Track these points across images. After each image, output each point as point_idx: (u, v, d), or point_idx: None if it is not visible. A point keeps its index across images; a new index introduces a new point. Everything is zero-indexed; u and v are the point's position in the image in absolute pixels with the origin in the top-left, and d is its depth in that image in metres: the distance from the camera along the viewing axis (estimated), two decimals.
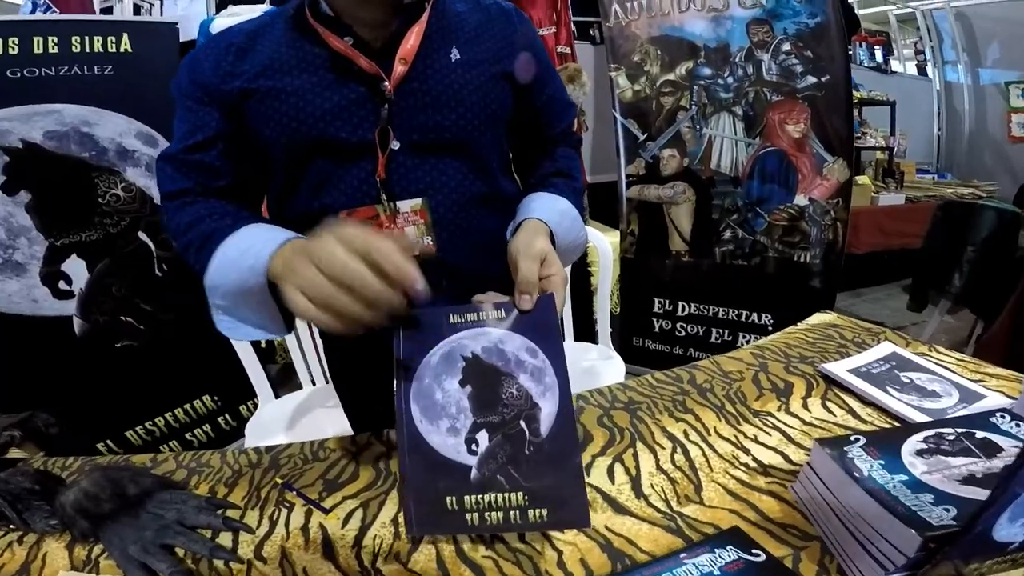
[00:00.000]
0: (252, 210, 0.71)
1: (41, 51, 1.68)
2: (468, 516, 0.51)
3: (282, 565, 0.52)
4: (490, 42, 0.71)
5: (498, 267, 0.63)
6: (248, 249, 0.57)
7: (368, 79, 0.65)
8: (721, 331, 2.38)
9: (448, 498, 0.51)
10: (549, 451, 0.51)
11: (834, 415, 0.70)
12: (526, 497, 0.51)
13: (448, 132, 0.68)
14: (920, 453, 0.50)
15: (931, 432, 0.53)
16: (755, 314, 2.30)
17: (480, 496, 0.51)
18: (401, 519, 0.57)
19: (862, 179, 3.28)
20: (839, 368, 0.79)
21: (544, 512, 0.50)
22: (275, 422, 1.50)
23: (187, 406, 2.06)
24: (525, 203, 0.73)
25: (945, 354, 0.84)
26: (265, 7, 2.42)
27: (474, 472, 0.52)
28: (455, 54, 0.68)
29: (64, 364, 1.79)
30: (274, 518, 0.59)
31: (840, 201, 2.10)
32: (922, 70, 4.99)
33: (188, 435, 2.08)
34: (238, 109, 0.66)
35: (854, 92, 2.81)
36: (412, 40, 0.66)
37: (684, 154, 2.32)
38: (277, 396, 1.59)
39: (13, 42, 1.64)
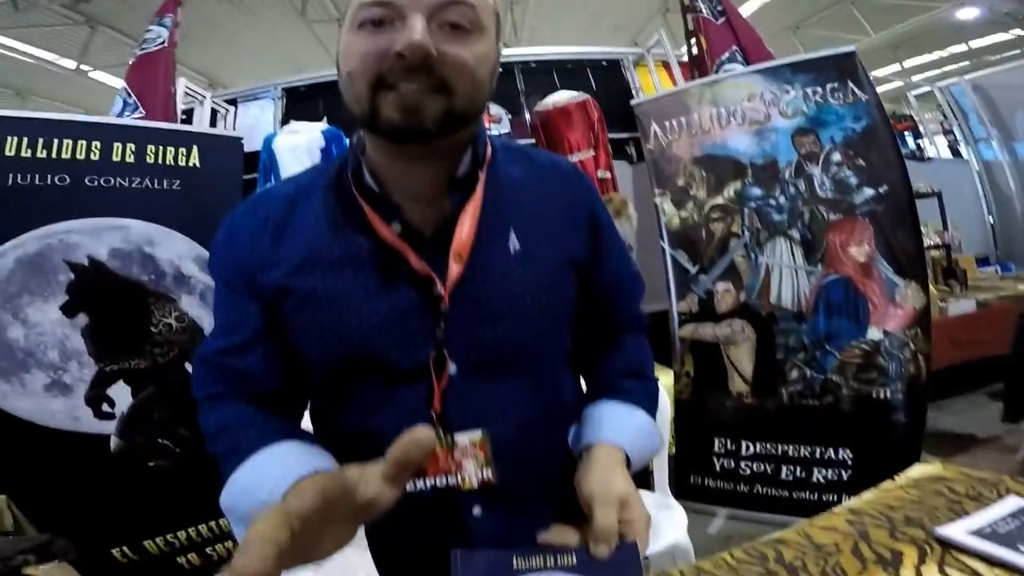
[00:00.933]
0: (290, 416, 0.65)
1: (119, 159, 1.82)
2: None
3: None
4: (551, 220, 0.64)
5: (559, 481, 0.57)
6: (259, 484, 0.53)
7: (419, 280, 0.58)
8: (792, 468, 2.12)
9: None
10: None
11: None
12: None
13: (508, 347, 0.61)
14: None
15: None
16: (831, 449, 2.04)
17: None
18: None
19: None
20: (957, 530, 0.69)
21: None
22: None
23: (211, 523, 2.02)
24: (595, 416, 0.65)
25: None
26: (323, 125, 2.65)
27: None
28: (514, 243, 0.61)
29: (94, 476, 1.80)
30: None
31: (919, 331, 1.92)
32: (955, 150, 4.87)
33: (209, 549, 2.01)
34: (276, 308, 0.60)
35: None
36: (467, 228, 0.58)
37: (740, 287, 2.17)
38: None
39: (96, 146, 1.79)
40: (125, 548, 1.84)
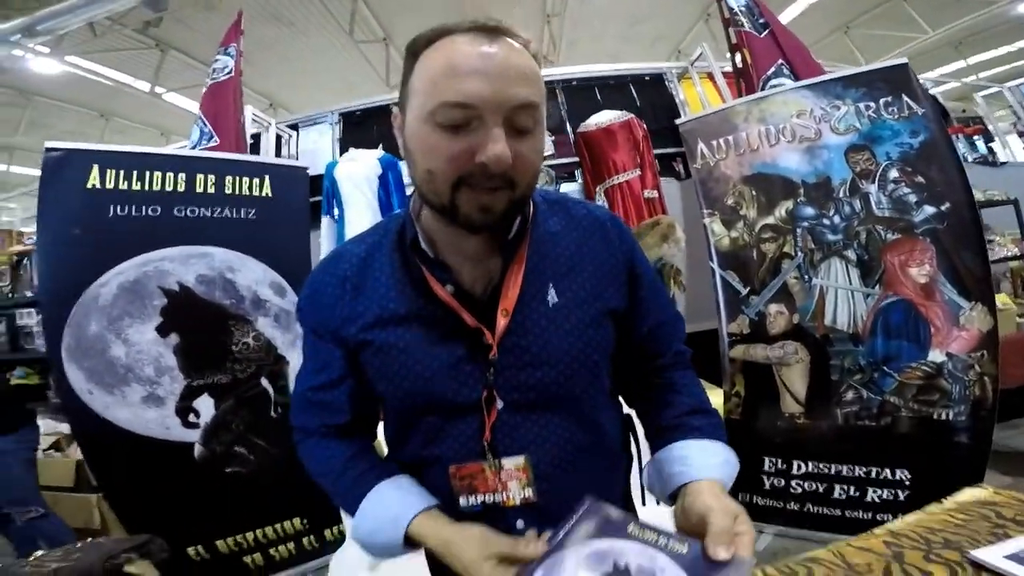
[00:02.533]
0: (369, 436, 0.80)
1: (202, 189, 2.01)
2: None
3: None
4: (588, 273, 0.71)
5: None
6: (380, 531, 0.68)
7: (472, 333, 0.67)
8: (845, 487, 2.04)
9: None
10: None
11: None
12: None
13: (548, 388, 0.69)
14: None
15: None
16: (887, 470, 1.95)
17: None
18: None
19: (1001, 299, 2.89)
20: (993, 554, 0.67)
21: None
22: (360, 561, 1.54)
23: (276, 525, 2.17)
24: (680, 457, 0.70)
25: None
26: (379, 153, 2.78)
27: None
28: (552, 296, 0.69)
29: (178, 480, 1.98)
30: None
31: (985, 354, 1.81)
32: None
33: (272, 550, 2.17)
34: (356, 355, 0.71)
35: None
36: (512, 287, 0.67)
37: (793, 310, 2.09)
38: None
39: (181, 178, 1.98)
40: (199, 547, 2.02)
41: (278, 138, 3.31)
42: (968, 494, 0.88)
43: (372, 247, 0.73)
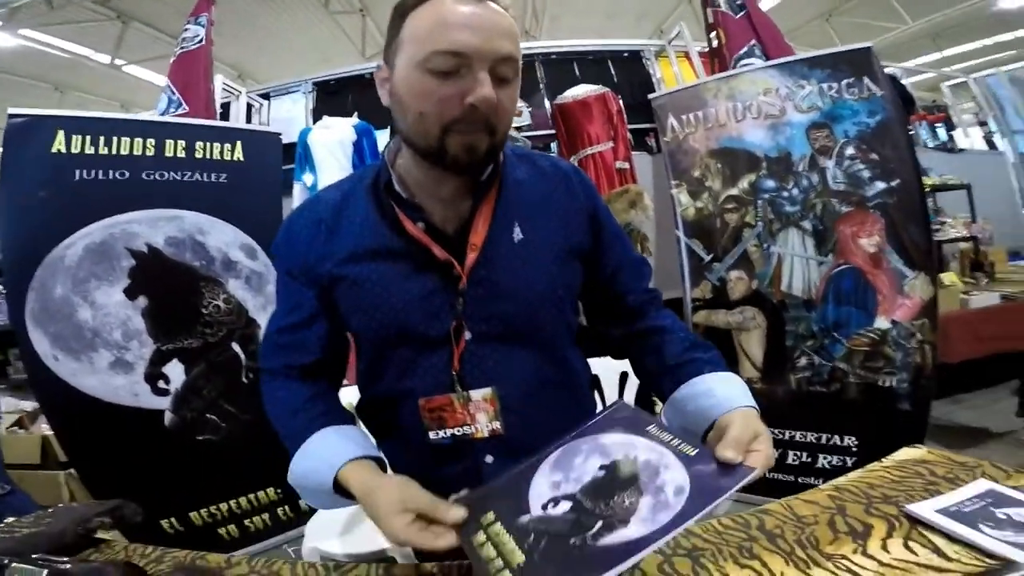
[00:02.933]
0: (332, 383, 0.82)
1: (171, 154, 1.98)
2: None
3: None
4: (552, 215, 0.75)
5: (561, 436, 0.67)
6: (314, 471, 0.70)
7: (442, 266, 0.71)
8: (799, 453, 2.17)
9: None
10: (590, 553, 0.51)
11: (917, 555, 0.64)
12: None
13: (515, 320, 0.73)
14: None
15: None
16: (836, 436, 2.09)
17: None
18: None
19: (949, 278, 3.03)
20: (926, 508, 0.72)
21: None
22: (334, 525, 1.54)
23: (250, 495, 2.16)
24: (702, 390, 0.71)
25: None
26: (354, 120, 2.78)
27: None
28: (517, 233, 0.73)
29: (148, 448, 1.96)
30: None
31: (927, 322, 1.93)
32: (990, 143, 4.71)
33: (247, 521, 2.16)
34: (330, 292, 0.74)
35: (924, 179, 2.65)
36: (481, 224, 0.71)
37: (752, 276, 2.21)
38: None
39: (150, 143, 1.94)
40: (173, 519, 2.00)
41: (249, 107, 3.26)
42: (905, 453, 0.94)
43: (347, 192, 0.76)
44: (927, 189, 2.86)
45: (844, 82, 2.01)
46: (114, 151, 1.90)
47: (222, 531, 2.10)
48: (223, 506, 2.10)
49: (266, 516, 2.20)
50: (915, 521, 0.71)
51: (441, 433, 0.74)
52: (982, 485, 0.76)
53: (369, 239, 0.72)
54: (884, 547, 0.67)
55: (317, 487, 0.70)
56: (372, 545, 1.40)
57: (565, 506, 0.55)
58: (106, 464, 1.90)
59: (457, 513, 0.59)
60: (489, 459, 0.74)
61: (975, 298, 2.88)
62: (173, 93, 2.54)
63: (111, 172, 1.89)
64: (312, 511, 2.02)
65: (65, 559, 0.70)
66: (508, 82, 0.64)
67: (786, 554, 0.69)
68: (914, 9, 6.50)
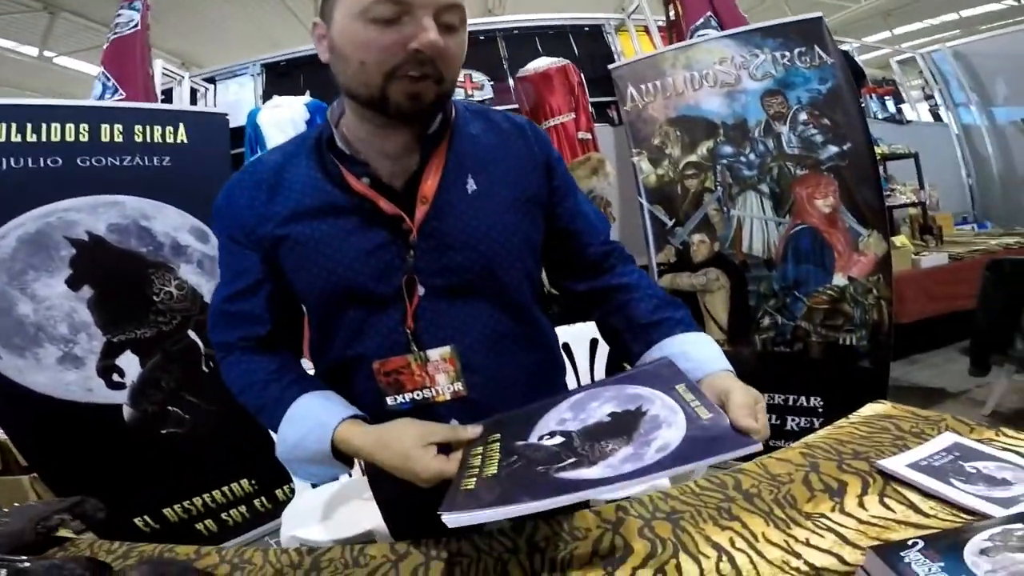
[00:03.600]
0: (293, 353, 0.78)
1: (108, 139, 1.86)
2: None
3: None
4: (505, 166, 0.72)
5: (527, 399, 0.67)
6: (308, 435, 0.67)
7: (390, 221, 0.67)
8: (768, 416, 2.24)
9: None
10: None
11: (894, 511, 0.66)
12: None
13: (471, 272, 0.69)
14: (985, 552, 0.47)
15: (998, 528, 0.49)
16: (803, 397, 2.19)
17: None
18: None
19: (900, 240, 3.18)
20: (897, 463, 0.74)
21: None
22: (312, 511, 1.52)
23: (225, 488, 2.11)
24: (678, 352, 0.69)
25: (1014, 436, 0.78)
26: (305, 99, 2.67)
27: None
28: (471, 184, 0.70)
29: (111, 445, 1.88)
30: None
31: (881, 277, 2.03)
32: (936, 115, 4.92)
33: (224, 515, 2.12)
34: (273, 254, 0.70)
35: (875, 147, 2.74)
36: (432, 177, 0.68)
37: (714, 238, 2.28)
38: (313, 485, 1.60)
39: (84, 128, 1.82)
40: (147, 517, 1.94)
41: (193, 92, 3.10)
42: (870, 409, 0.96)
43: (289, 153, 0.72)
44: (878, 158, 2.96)
45: (796, 51, 2.06)
46: (44, 138, 1.77)
47: (199, 526, 2.05)
48: (197, 501, 2.04)
49: (243, 508, 2.15)
50: (888, 476, 0.73)
51: (399, 398, 0.70)
52: (948, 439, 0.78)
53: (311, 197, 0.68)
54: (861, 504, 0.68)
55: (312, 454, 0.66)
56: (351, 530, 1.39)
57: (557, 440, 0.57)
58: (68, 465, 1.81)
59: (475, 429, 0.62)
60: (454, 423, 0.70)
61: (925, 258, 3.03)
62: (108, 79, 2.39)
63: (42, 160, 1.77)
64: (288, 500, 1.99)
65: (24, 558, 0.66)
66: (455, 29, 0.61)
67: (765, 514, 0.70)
68: None
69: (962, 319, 2.62)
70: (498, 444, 0.60)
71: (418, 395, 0.70)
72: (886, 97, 4.75)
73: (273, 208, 0.69)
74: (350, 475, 1.65)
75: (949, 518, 0.63)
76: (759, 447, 0.52)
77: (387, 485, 0.83)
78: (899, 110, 4.81)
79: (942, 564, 0.46)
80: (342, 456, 0.66)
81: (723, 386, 0.61)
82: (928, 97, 4.95)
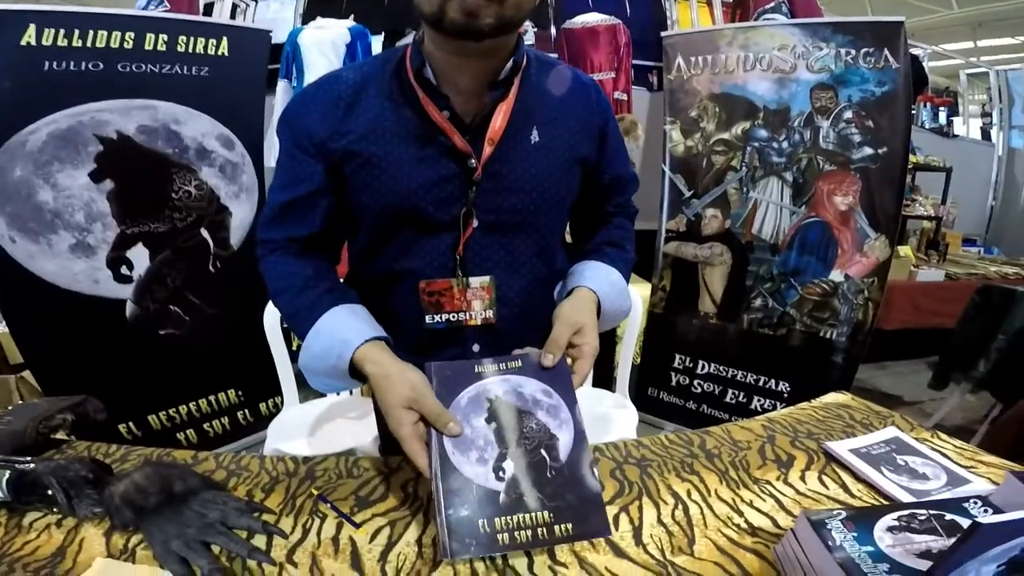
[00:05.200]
0: (334, 258, 0.82)
1: (151, 48, 1.85)
2: (499, 537, 0.56)
3: (312, 571, 0.58)
4: (568, 125, 0.76)
5: (546, 333, 0.71)
6: (330, 350, 0.69)
7: (459, 155, 0.71)
8: (737, 393, 2.36)
9: (480, 521, 0.56)
10: (568, 474, 0.60)
11: (827, 488, 0.74)
12: (551, 515, 0.57)
13: (521, 215, 0.75)
14: (891, 529, 0.55)
15: (906, 512, 0.58)
16: (772, 380, 2.28)
17: (509, 517, 0.57)
18: (425, 540, 0.62)
19: (904, 250, 3.20)
20: (841, 447, 0.83)
21: (569, 527, 0.57)
22: (297, 426, 1.55)
23: (211, 397, 2.15)
24: (578, 270, 0.81)
25: (946, 441, 0.88)
26: (349, 23, 2.63)
27: (503, 496, 0.58)
28: (535, 136, 0.74)
29: (108, 344, 1.90)
30: (307, 526, 0.65)
31: (876, 280, 2.08)
32: (986, 134, 4.81)
33: (206, 425, 2.15)
34: (339, 168, 0.72)
35: (910, 157, 2.75)
36: (500, 120, 0.71)
37: (727, 216, 2.31)
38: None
39: (129, 36, 1.81)
40: (131, 423, 1.96)
41: (234, 8, 3.02)
42: (832, 397, 1.05)
43: (368, 74, 0.73)
44: (910, 166, 2.94)
45: (863, 50, 2.01)
46: (89, 44, 1.75)
47: (180, 436, 2.08)
48: (182, 409, 2.08)
49: (225, 420, 2.19)
50: (830, 457, 0.82)
51: (437, 317, 0.76)
52: (890, 432, 0.88)
53: (389, 120, 0.71)
54: (802, 478, 0.77)
55: (331, 367, 0.70)
56: (335, 446, 1.44)
57: (510, 465, 0.61)
58: (63, 360, 1.83)
59: (455, 429, 0.61)
60: (476, 348, 0.78)
61: (922, 272, 3.08)
62: None
63: (84, 63, 1.74)
64: (272, 415, 2.04)
65: (28, 459, 0.67)
66: None
67: (721, 473, 0.78)
68: None
69: (939, 336, 2.68)
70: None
71: (453, 317, 0.76)
72: (941, 108, 4.62)
73: (348, 124, 0.71)
74: (337, 392, 1.73)
75: (871, 501, 0.71)
76: (579, 379, 0.68)
77: None
78: (950, 123, 4.68)
79: (855, 535, 0.54)
80: (357, 375, 0.70)
81: (556, 313, 0.72)
82: (985, 115, 4.81)
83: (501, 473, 0.60)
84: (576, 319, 0.70)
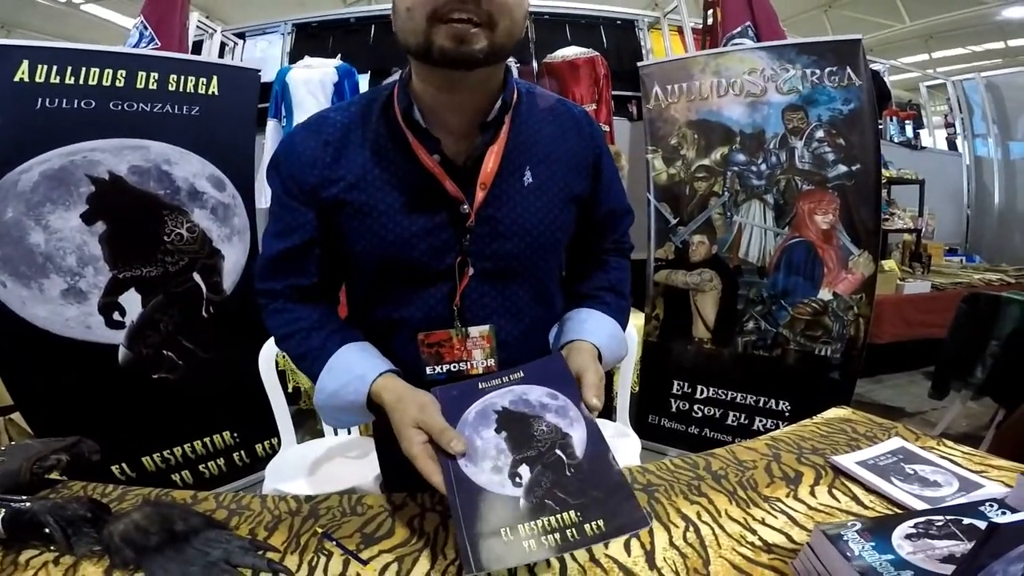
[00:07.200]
0: (333, 302, 0.82)
1: (143, 86, 1.88)
2: (525, 544, 0.52)
3: None
4: (561, 162, 0.75)
5: None
6: (346, 386, 0.69)
7: (451, 202, 0.69)
8: (738, 415, 2.36)
9: (503, 530, 0.54)
10: (588, 469, 0.58)
11: (839, 502, 0.74)
12: (578, 514, 0.54)
13: (517, 260, 0.74)
14: (909, 537, 0.55)
15: (922, 519, 0.57)
16: (772, 400, 2.29)
17: (533, 522, 0.54)
18: (434, 575, 0.61)
19: (888, 264, 3.25)
20: (848, 460, 0.83)
21: (600, 523, 0.53)
22: (296, 466, 1.54)
23: (206, 439, 2.12)
24: (577, 319, 0.79)
25: (953, 448, 0.87)
26: (336, 62, 2.69)
27: (523, 501, 0.56)
28: (528, 177, 0.72)
29: (100, 387, 1.88)
30: (313, 564, 0.63)
31: (864, 296, 2.11)
32: (952, 144, 4.91)
33: (202, 467, 2.12)
34: (331, 216, 0.71)
35: (883, 171, 2.83)
36: (491, 163, 0.70)
37: (713, 241, 2.35)
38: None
39: (121, 74, 1.84)
40: (124, 464, 1.94)
41: (222, 47, 3.11)
42: (833, 412, 1.06)
43: (356, 115, 0.72)
44: (884, 180, 3.03)
45: (827, 70, 2.10)
46: (82, 81, 1.78)
47: (175, 477, 2.06)
48: (177, 451, 2.05)
49: (221, 462, 2.17)
50: (838, 471, 0.81)
51: (438, 368, 0.75)
52: (896, 443, 0.87)
53: (380, 167, 0.70)
54: (812, 493, 0.76)
55: (348, 404, 0.70)
56: (335, 486, 1.42)
57: (525, 469, 0.59)
58: (56, 405, 1.81)
59: (458, 446, 0.60)
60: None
61: (909, 285, 3.13)
62: (146, 28, 2.43)
63: (76, 101, 1.78)
64: (268, 456, 2.03)
65: (23, 497, 0.66)
66: None
67: (729, 493, 0.77)
68: (915, 9, 6.48)
69: (932, 346, 2.71)
70: None
71: (454, 367, 0.75)
72: (907, 121, 4.76)
73: (338, 171, 0.70)
74: (336, 432, 1.70)
75: (884, 510, 0.71)
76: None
77: (393, 446, 0.90)
78: (916, 135, 4.80)
79: (873, 544, 0.53)
80: (374, 408, 0.69)
81: (581, 363, 0.69)
82: (949, 125, 4.96)
83: (518, 479, 0.57)
84: (601, 371, 0.69)
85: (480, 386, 0.67)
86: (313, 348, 0.73)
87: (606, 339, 0.77)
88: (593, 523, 0.53)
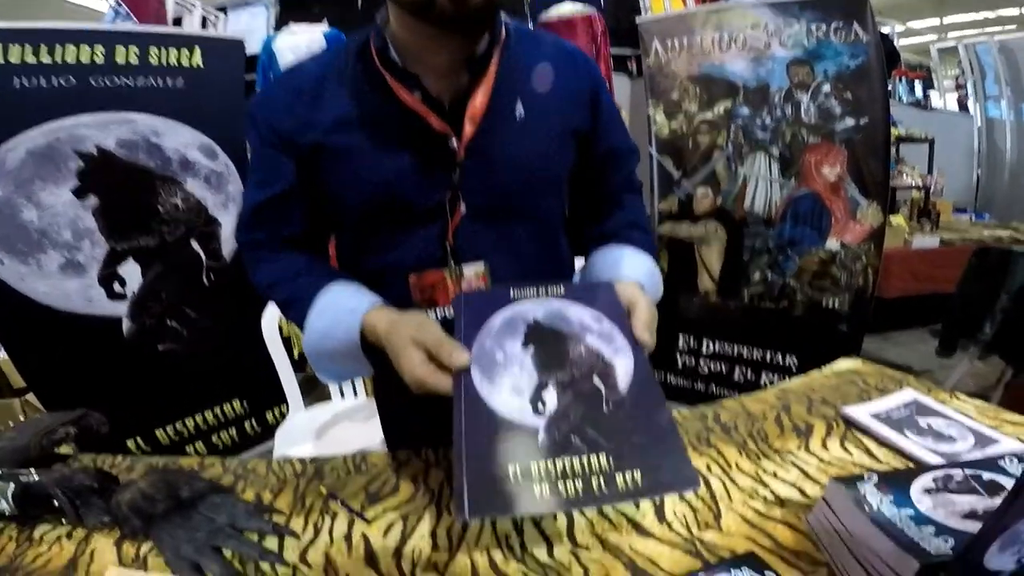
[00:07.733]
0: (321, 254, 0.79)
1: (123, 61, 1.83)
2: (536, 489, 0.43)
3: (326, 570, 0.56)
4: (556, 95, 0.71)
5: None
6: (337, 324, 0.66)
7: (438, 138, 0.66)
8: (745, 369, 2.37)
9: (511, 467, 0.44)
10: (632, 407, 0.48)
11: (851, 455, 0.72)
12: (610, 460, 0.44)
13: (512, 195, 0.71)
14: (928, 491, 0.53)
15: (941, 473, 0.56)
16: (779, 354, 2.29)
17: (551, 461, 0.44)
18: (439, 532, 0.60)
19: (896, 219, 3.21)
20: (860, 412, 0.81)
21: (637, 475, 0.44)
22: (304, 431, 1.55)
23: (216, 409, 2.15)
24: (611, 259, 0.75)
25: (966, 401, 0.85)
26: (323, 27, 2.60)
27: (542, 435, 0.46)
28: (520, 111, 0.69)
29: (108, 362, 1.89)
30: (318, 525, 0.63)
31: (872, 247, 2.09)
32: (963, 105, 4.86)
33: (214, 437, 2.16)
34: (311, 163, 0.68)
35: (892, 129, 2.75)
36: (480, 98, 0.66)
37: (717, 193, 2.32)
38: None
39: (99, 50, 1.79)
40: (138, 438, 1.97)
41: (204, 21, 3.00)
42: (843, 363, 1.03)
43: (329, 63, 0.70)
44: (893, 139, 2.95)
45: (833, 25, 2.03)
46: (59, 59, 1.72)
47: (189, 448, 2.08)
48: (188, 422, 2.07)
49: (233, 431, 2.19)
50: (850, 423, 0.80)
51: (432, 314, 0.72)
52: (908, 395, 0.85)
53: (357, 107, 0.67)
54: (824, 445, 0.75)
55: (340, 344, 0.66)
56: (343, 449, 1.40)
57: (552, 395, 0.50)
58: (65, 381, 1.82)
59: (460, 358, 0.53)
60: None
61: (917, 239, 3.09)
62: (120, 5, 2.37)
63: (55, 79, 1.72)
64: (279, 423, 1.97)
65: (31, 470, 0.66)
66: None
67: (739, 445, 0.76)
68: None
69: (940, 303, 2.70)
70: None
71: (449, 312, 0.71)
72: (916, 81, 4.65)
73: (315, 116, 0.67)
74: (343, 395, 1.71)
75: (899, 465, 0.69)
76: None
77: (393, 400, 0.88)
78: (926, 96, 4.73)
79: (891, 498, 0.51)
80: (369, 348, 0.66)
81: (631, 295, 0.63)
82: (960, 87, 4.86)
83: (540, 405, 0.47)
84: (652, 306, 0.64)
85: (512, 294, 0.57)
86: (300, 290, 0.71)
87: (646, 277, 0.73)
88: (628, 474, 0.44)
